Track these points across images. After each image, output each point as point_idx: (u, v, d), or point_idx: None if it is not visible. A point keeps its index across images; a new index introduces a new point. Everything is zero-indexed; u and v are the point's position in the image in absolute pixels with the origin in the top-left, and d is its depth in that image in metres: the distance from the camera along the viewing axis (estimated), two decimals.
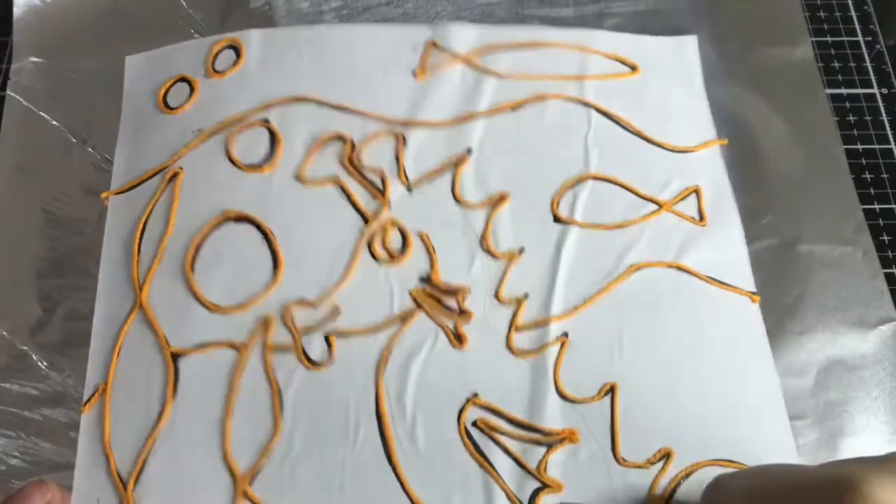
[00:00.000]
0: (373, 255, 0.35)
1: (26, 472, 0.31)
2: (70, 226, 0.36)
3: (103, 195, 0.36)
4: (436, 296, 0.34)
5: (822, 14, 0.43)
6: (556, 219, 0.36)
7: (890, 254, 0.37)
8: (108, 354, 0.33)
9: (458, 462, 0.31)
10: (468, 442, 0.31)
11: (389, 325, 0.33)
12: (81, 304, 0.34)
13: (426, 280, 0.34)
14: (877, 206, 0.38)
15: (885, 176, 0.39)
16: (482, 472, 0.31)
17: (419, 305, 0.34)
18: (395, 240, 0.35)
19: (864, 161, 0.39)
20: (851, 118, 0.40)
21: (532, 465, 0.31)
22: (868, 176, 0.39)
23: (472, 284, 0.34)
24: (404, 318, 0.33)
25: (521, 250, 0.35)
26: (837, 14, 0.44)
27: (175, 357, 0.32)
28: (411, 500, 0.30)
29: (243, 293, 0.34)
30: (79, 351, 0.33)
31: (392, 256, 0.35)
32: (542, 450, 0.32)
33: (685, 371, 0.33)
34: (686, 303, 0.34)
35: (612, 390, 0.33)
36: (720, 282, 0.35)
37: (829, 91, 0.40)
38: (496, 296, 0.34)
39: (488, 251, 0.35)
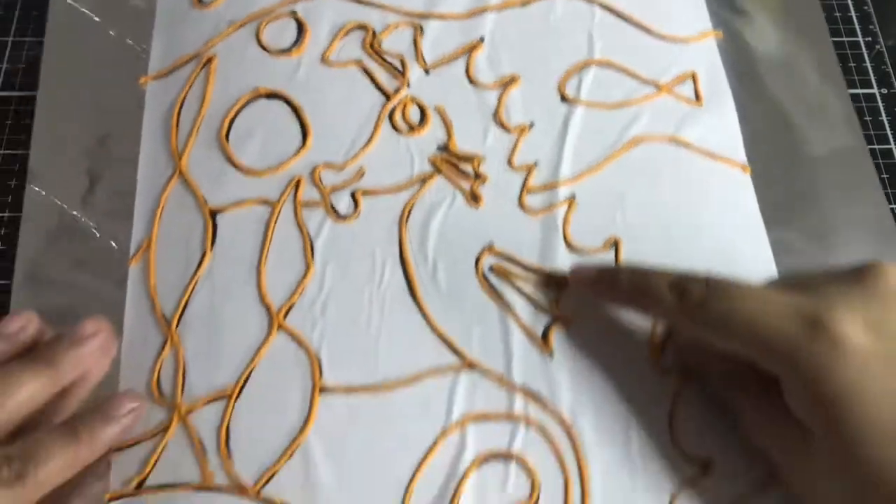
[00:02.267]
0: (394, 127, 0.37)
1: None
2: (112, 111, 0.38)
3: (142, 80, 0.39)
4: (453, 161, 0.37)
5: (821, 14, 0.43)
6: (563, 98, 0.39)
7: None
8: (151, 214, 0.35)
9: (476, 301, 0.34)
10: (485, 283, 0.34)
11: (410, 186, 0.36)
12: (126, 179, 0.37)
13: (444, 149, 0.37)
14: None
15: (885, 176, 0.40)
16: (499, 309, 0.34)
17: (437, 169, 0.36)
18: (414, 114, 0.38)
19: None
20: None
21: (544, 304, 0.34)
22: None
23: (486, 153, 0.37)
24: (424, 179, 0.36)
25: (532, 125, 0.38)
26: (837, 14, 0.44)
27: (213, 214, 0.35)
28: (435, 331, 0.33)
29: (275, 159, 0.36)
30: (124, 220, 0.35)
31: (412, 128, 0.37)
32: (554, 291, 0.34)
33: (682, 228, 0.36)
34: (683, 171, 0.37)
35: (615, 244, 0.35)
36: (714, 154, 0.38)
37: None
38: (509, 162, 0.37)
39: (501, 125, 0.38)
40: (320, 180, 0.36)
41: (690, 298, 0.29)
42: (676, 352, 0.33)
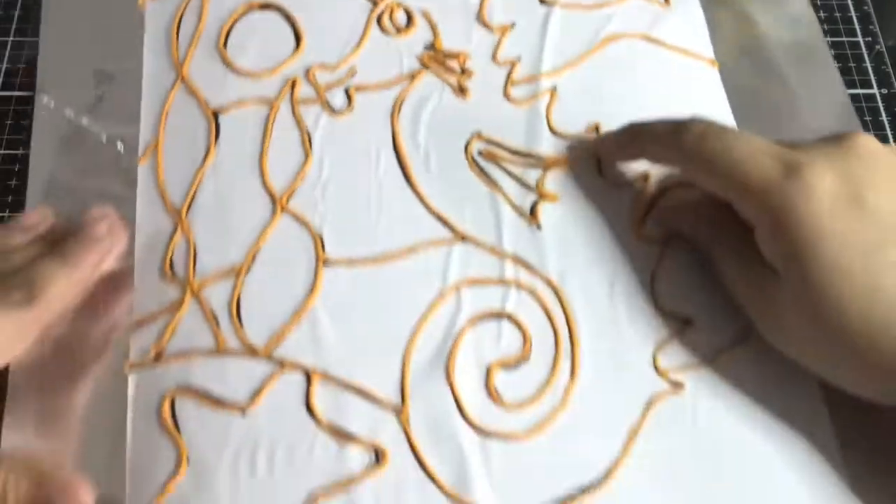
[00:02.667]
0: (382, 30, 0.39)
1: None
2: (114, 32, 0.40)
3: (140, 1, 0.41)
4: (440, 59, 0.39)
5: (821, 14, 0.44)
6: (542, 1, 0.41)
7: None
8: (157, 118, 0.37)
9: (467, 182, 0.36)
10: (475, 166, 0.36)
11: (401, 82, 0.38)
12: (131, 90, 0.38)
13: (430, 47, 0.39)
14: None
15: None
16: (488, 188, 0.36)
17: (425, 66, 0.39)
18: (400, 18, 0.40)
19: None
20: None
21: (531, 183, 0.36)
22: None
23: (471, 51, 0.39)
24: (413, 75, 0.38)
25: (513, 24, 0.40)
26: (837, 14, 0.44)
27: (215, 114, 0.37)
28: (429, 209, 0.35)
29: (271, 63, 0.38)
30: (131, 125, 0.37)
31: (399, 30, 0.40)
32: (539, 172, 0.37)
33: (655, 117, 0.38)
34: (655, 65, 0.40)
35: (596, 128, 0.38)
36: (684, 49, 0.40)
37: None
38: (493, 58, 0.39)
39: (484, 25, 0.40)
40: (315, 79, 0.38)
41: (689, 134, 0.31)
42: (660, 214, 0.35)
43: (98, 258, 0.31)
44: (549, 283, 0.34)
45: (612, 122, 0.37)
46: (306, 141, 0.37)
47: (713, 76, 0.40)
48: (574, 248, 0.35)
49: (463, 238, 0.35)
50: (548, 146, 0.37)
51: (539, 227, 0.35)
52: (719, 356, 0.33)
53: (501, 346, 0.33)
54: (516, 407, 0.32)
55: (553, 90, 0.38)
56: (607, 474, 0.31)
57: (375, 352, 0.32)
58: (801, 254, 0.28)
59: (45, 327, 0.30)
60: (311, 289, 0.33)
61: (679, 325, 0.33)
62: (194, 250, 0.34)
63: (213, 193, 0.35)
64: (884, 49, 0.43)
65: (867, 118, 0.41)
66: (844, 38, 0.43)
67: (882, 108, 0.42)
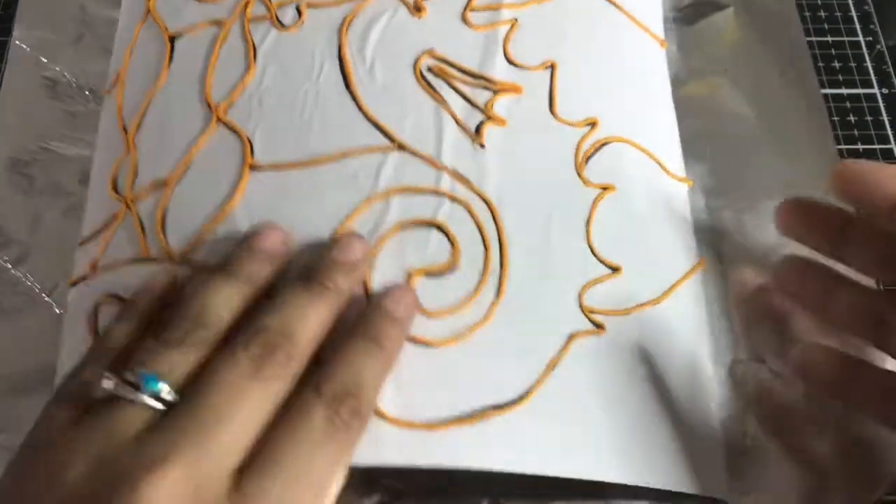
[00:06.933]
0: None
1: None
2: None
3: None
4: None
5: (822, 14, 0.43)
6: None
7: None
8: (123, 52, 0.38)
9: (412, 93, 0.34)
10: (422, 80, 0.34)
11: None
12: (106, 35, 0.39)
13: None
14: None
15: None
16: (434, 103, 0.34)
17: None
18: None
19: None
20: (852, 118, 0.40)
21: (479, 103, 0.34)
22: None
23: None
24: None
25: None
26: (838, 14, 0.43)
27: (172, 39, 0.37)
28: (366, 116, 0.33)
29: None
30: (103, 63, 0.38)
31: None
32: (489, 94, 0.34)
33: (608, 74, 0.36)
34: (610, 26, 0.38)
35: (552, 66, 0.35)
36: (636, 19, 0.38)
37: (829, 91, 0.41)
38: None
39: None
40: None
41: None
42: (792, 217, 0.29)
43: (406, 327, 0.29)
44: (486, 201, 0.32)
45: (567, 65, 0.36)
46: (251, 54, 0.36)
47: (660, 55, 0.38)
48: (515, 174, 0.33)
49: (400, 147, 0.33)
50: (501, 72, 0.35)
51: (482, 146, 0.33)
52: (637, 308, 0.31)
53: (427, 255, 0.30)
54: (434, 314, 0.29)
55: (514, 21, 0.36)
56: (520, 398, 0.28)
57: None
58: None
59: None
60: (233, 191, 0.32)
61: (607, 270, 0.32)
62: (135, 166, 0.34)
63: (159, 113, 0.35)
64: (884, 49, 0.42)
65: (868, 118, 0.40)
66: (845, 38, 0.43)
67: (883, 108, 0.40)
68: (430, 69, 0.35)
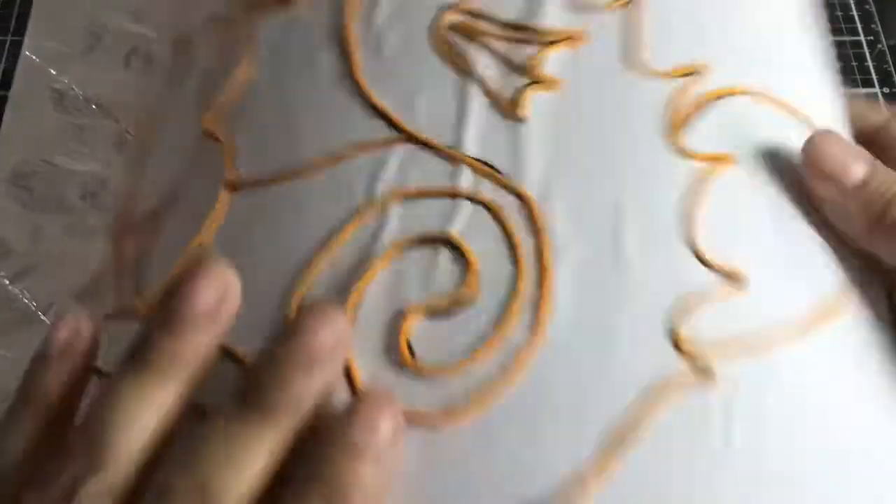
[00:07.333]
0: None
1: None
2: None
3: None
4: None
5: (823, 13, 0.37)
6: None
7: None
8: None
9: (428, 63, 0.25)
10: (443, 46, 0.25)
11: None
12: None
13: None
14: None
15: None
16: (456, 76, 0.25)
17: None
18: None
19: None
20: None
21: (521, 62, 0.24)
22: None
23: None
24: None
25: None
26: (839, 13, 0.44)
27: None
28: (370, 103, 0.25)
29: None
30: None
31: None
32: (535, 49, 0.25)
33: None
34: None
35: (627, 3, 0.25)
36: None
37: None
38: None
39: None
40: None
41: None
42: None
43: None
44: (522, 198, 0.22)
45: None
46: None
47: None
48: (569, 154, 0.23)
49: (409, 138, 0.24)
50: (554, 17, 0.25)
51: (521, 120, 0.23)
52: (778, 339, 0.20)
53: (435, 283, 0.21)
54: (436, 372, 0.20)
55: None
56: (564, 497, 0.18)
57: (254, 302, 0.22)
58: None
59: None
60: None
61: (722, 280, 0.21)
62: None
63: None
64: (885, 48, 0.43)
65: None
66: (846, 38, 0.43)
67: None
68: (454, 27, 0.26)
